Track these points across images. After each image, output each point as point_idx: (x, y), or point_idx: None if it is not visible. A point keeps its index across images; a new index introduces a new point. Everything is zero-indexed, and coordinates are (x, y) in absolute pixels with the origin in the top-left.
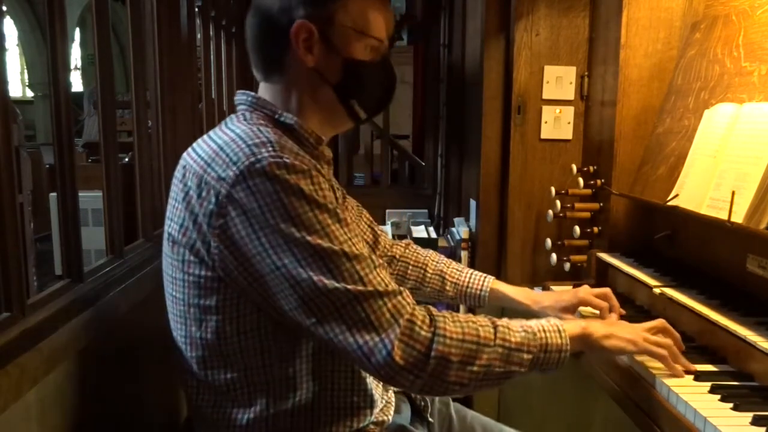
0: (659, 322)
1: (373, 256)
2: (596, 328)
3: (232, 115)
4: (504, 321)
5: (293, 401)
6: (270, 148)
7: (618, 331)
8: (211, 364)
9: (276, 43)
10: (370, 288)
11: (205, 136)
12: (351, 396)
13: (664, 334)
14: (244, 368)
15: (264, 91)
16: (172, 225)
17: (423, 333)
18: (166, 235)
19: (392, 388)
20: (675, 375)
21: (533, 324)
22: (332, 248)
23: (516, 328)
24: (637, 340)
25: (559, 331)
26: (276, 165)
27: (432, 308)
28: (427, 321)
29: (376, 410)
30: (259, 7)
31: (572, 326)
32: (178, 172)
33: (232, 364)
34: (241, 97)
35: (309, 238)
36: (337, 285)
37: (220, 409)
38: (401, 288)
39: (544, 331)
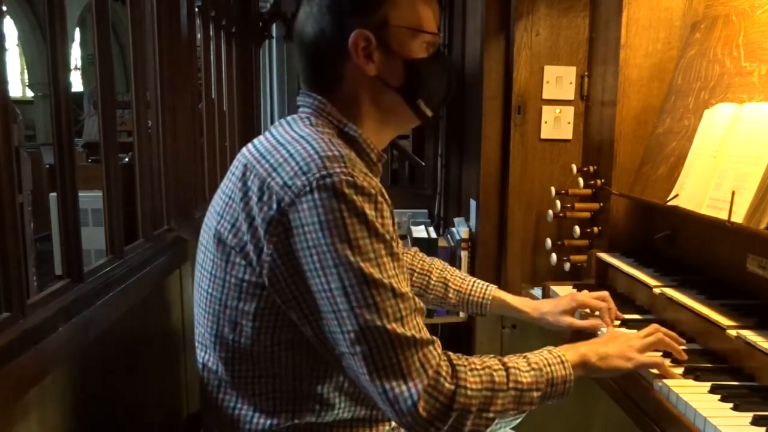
0: (651, 327)
1: (416, 298)
2: (593, 352)
3: (296, 117)
4: (513, 361)
5: (317, 415)
6: (342, 165)
7: (612, 350)
8: (240, 366)
9: (333, 57)
10: (407, 332)
11: (268, 135)
12: (372, 410)
13: (655, 335)
14: (273, 376)
15: (323, 98)
16: (222, 223)
17: (447, 386)
18: (211, 231)
19: None
20: (671, 376)
21: (538, 359)
22: (381, 279)
23: (524, 368)
24: (632, 355)
25: (563, 363)
26: (346, 183)
27: (451, 355)
28: (450, 372)
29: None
30: (308, 25)
31: (572, 354)
32: (236, 169)
33: (261, 371)
34: (306, 99)
35: (362, 264)
36: (377, 323)
37: (241, 411)
38: (433, 338)
39: (549, 365)
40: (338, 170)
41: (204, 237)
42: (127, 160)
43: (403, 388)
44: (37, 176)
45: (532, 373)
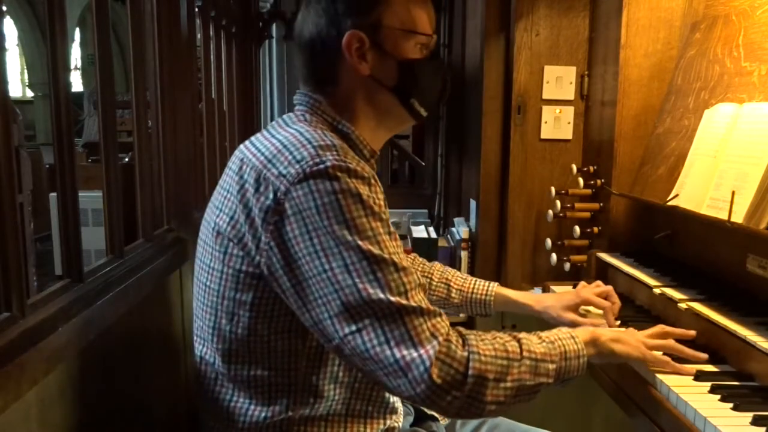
0: (658, 327)
1: (417, 274)
2: (604, 332)
3: (291, 114)
4: (523, 334)
5: (312, 407)
6: (335, 152)
7: (625, 337)
8: (236, 358)
9: (328, 57)
10: (413, 303)
11: (265, 132)
12: (368, 405)
13: (663, 338)
14: (269, 368)
15: (318, 96)
16: (220, 216)
17: (459, 352)
18: (210, 225)
19: None
20: (681, 373)
21: (548, 334)
22: (382, 255)
23: (536, 340)
24: (642, 348)
25: (573, 338)
26: (339, 168)
27: (461, 328)
28: (461, 341)
29: (391, 418)
30: (306, 25)
31: (582, 331)
32: (233, 164)
33: (258, 362)
34: (302, 97)
35: (360, 242)
36: (381, 296)
37: (237, 403)
38: (440, 311)
39: (560, 339)
40: (330, 157)
41: (203, 231)
42: (127, 160)
43: (414, 354)
44: (37, 176)
45: (545, 344)
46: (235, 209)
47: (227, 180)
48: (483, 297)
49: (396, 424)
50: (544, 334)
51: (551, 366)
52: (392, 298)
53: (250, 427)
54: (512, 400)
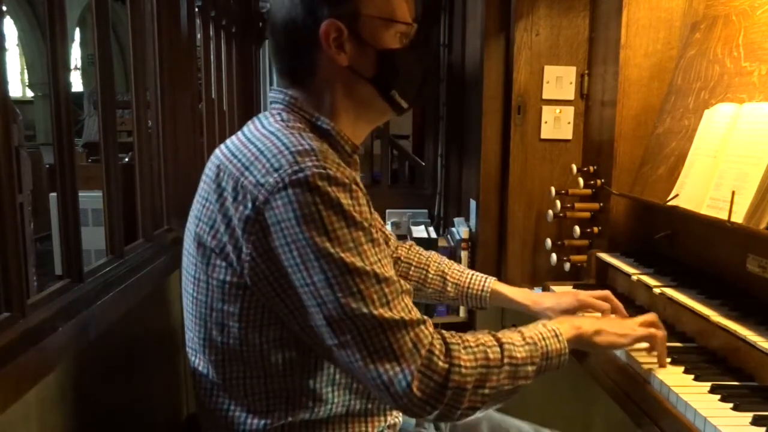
0: (651, 315)
1: (402, 281)
2: (587, 327)
3: (266, 113)
4: (507, 336)
5: (311, 412)
6: (314, 158)
7: (608, 327)
8: (230, 368)
9: (304, 47)
10: (396, 315)
11: (240, 135)
12: (367, 404)
13: (656, 326)
14: (264, 375)
15: (297, 90)
16: (200, 225)
17: (441, 364)
18: (191, 234)
19: None
20: (662, 364)
21: (533, 333)
22: (363, 267)
23: (519, 342)
24: (627, 332)
25: (557, 336)
26: (319, 176)
27: (444, 333)
28: (444, 351)
29: (392, 415)
30: (280, 14)
31: (566, 328)
32: (210, 171)
33: (252, 371)
34: (277, 95)
35: (342, 254)
36: (364, 310)
37: (235, 413)
38: (424, 317)
39: (544, 338)
40: (309, 164)
41: (186, 241)
42: (127, 160)
43: (397, 369)
44: (37, 176)
45: (527, 347)
46: (215, 218)
47: (204, 188)
48: (479, 292)
49: (397, 420)
50: (528, 331)
51: (531, 368)
52: (374, 312)
53: None
54: (489, 404)
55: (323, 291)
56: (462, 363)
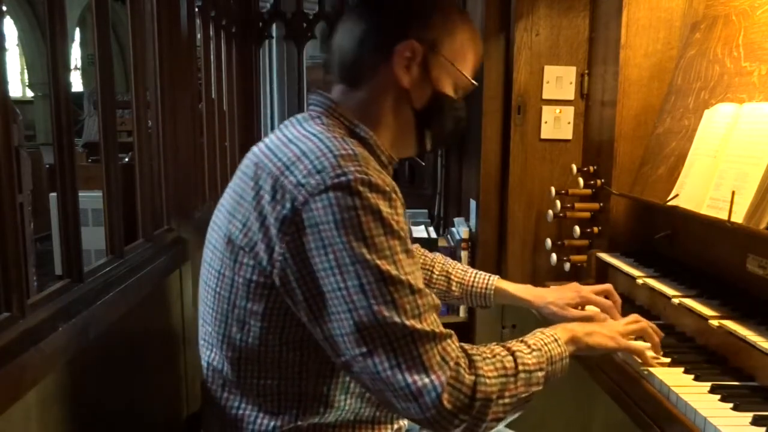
0: (633, 316)
1: (433, 295)
2: (579, 328)
3: (306, 115)
4: (515, 346)
5: (322, 416)
6: (357, 163)
7: (598, 329)
8: (246, 367)
9: (377, 52)
10: (426, 328)
11: (279, 134)
12: (375, 411)
13: (638, 320)
14: (279, 377)
15: (342, 94)
16: (233, 222)
17: (468, 377)
18: (221, 230)
19: None
20: (657, 352)
21: (535, 340)
22: (398, 276)
23: (526, 350)
24: (617, 337)
25: (556, 341)
26: (361, 181)
27: (465, 346)
28: (468, 363)
29: (398, 423)
30: (369, 12)
31: (561, 332)
32: (247, 168)
33: (267, 371)
34: (318, 98)
35: (378, 261)
36: (396, 319)
37: (245, 411)
38: (450, 331)
39: (546, 344)
40: (353, 168)
41: (213, 235)
42: (127, 160)
43: (426, 381)
44: (37, 176)
45: (534, 353)
46: (249, 216)
47: (240, 184)
48: (483, 291)
49: (402, 423)
50: (531, 339)
51: (540, 374)
52: (406, 322)
53: None
54: (510, 413)
55: (356, 296)
56: (485, 374)
